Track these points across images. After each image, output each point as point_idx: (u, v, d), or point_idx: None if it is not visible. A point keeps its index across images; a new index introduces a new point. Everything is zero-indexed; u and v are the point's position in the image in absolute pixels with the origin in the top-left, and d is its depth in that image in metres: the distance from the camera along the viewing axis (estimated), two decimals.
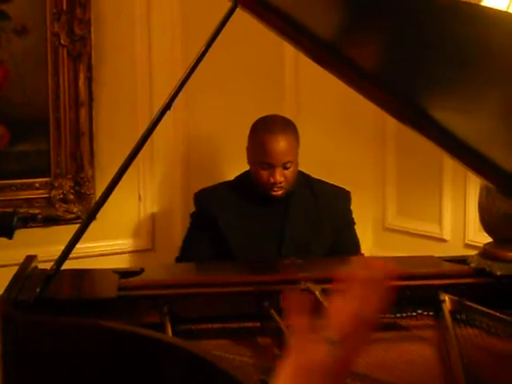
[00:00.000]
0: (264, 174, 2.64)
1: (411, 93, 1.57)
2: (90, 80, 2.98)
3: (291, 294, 0.94)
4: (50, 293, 1.73)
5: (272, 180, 2.63)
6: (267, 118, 2.76)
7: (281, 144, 2.63)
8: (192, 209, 2.88)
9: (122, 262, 3.15)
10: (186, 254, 2.76)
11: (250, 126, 2.75)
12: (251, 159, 2.72)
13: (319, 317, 0.92)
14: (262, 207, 2.74)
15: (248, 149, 2.74)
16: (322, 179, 2.89)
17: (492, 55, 1.30)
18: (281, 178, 2.63)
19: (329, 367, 0.87)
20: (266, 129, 2.67)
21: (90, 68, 2.98)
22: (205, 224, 2.74)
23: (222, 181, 2.92)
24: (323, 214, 2.77)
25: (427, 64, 1.41)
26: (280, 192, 2.66)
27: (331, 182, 2.91)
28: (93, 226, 2.87)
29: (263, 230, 2.72)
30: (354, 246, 2.84)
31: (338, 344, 0.88)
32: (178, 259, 2.76)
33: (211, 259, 2.68)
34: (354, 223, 2.87)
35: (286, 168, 2.64)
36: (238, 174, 2.92)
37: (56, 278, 1.73)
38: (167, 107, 1.70)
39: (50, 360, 1.46)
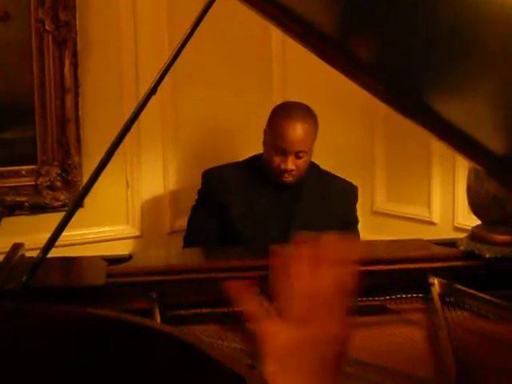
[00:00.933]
0: (276, 159, 2.63)
1: (401, 78, 1.56)
2: (75, 66, 2.96)
3: (233, 283, 0.93)
4: (37, 281, 1.71)
5: (283, 166, 2.62)
6: (290, 103, 2.78)
7: (298, 132, 2.63)
8: (180, 193, 2.87)
9: (111, 249, 3.10)
10: (194, 231, 2.75)
11: (237, 109, 2.75)
12: (267, 141, 2.71)
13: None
14: (271, 193, 2.74)
15: (265, 131, 2.73)
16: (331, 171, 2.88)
17: (482, 37, 1.29)
18: (292, 166, 2.62)
19: (302, 344, 0.86)
20: (286, 114, 2.67)
21: (75, 54, 2.96)
22: (210, 202, 2.73)
23: (210, 163, 2.90)
24: (332, 208, 2.77)
25: (416, 48, 1.40)
26: (289, 179, 2.66)
27: (321, 167, 2.91)
28: (81, 213, 2.86)
29: (269, 216, 2.71)
30: None
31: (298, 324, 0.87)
32: (186, 238, 2.75)
33: (216, 237, 2.67)
34: (358, 221, 2.87)
35: (298, 157, 2.63)
36: (227, 156, 2.92)
37: (43, 266, 1.71)
38: (152, 92, 1.68)
39: (38, 348, 1.45)
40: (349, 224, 2.83)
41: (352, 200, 2.86)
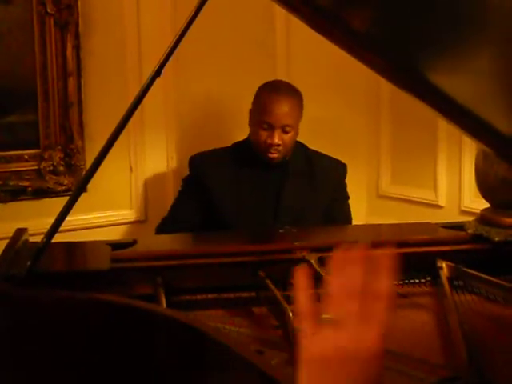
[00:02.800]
0: (263, 134, 2.63)
1: (406, 56, 1.53)
2: (78, 49, 2.93)
3: (299, 269, 0.90)
4: (42, 266, 1.70)
5: (269, 141, 2.62)
6: (275, 81, 2.81)
7: (283, 106, 2.64)
8: (182, 179, 2.86)
9: (115, 234, 3.13)
10: (172, 217, 2.75)
11: (241, 90, 2.73)
12: (252, 119, 2.72)
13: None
14: (258, 175, 2.73)
15: (251, 110, 2.74)
16: (316, 148, 2.88)
17: (488, 11, 1.26)
18: (279, 140, 2.62)
19: (343, 352, 0.83)
20: (271, 90, 2.69)
21: (77, 37, 2.92)
22: (196, 188, 2.73)
23: (214, 147, 2.88)
24: (319, 185, 2.77)
25: (421, 24, 1.37)
26: (276, 155, 2.65)
27: (325, 150, 2.89)
28: (85, 198, 2.84)
29: (258, 197, 2.71)
30: (345, 221, 2.82)
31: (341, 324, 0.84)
32: (162, 223, 2.75)
33: (197, 225, 2.67)
34: (348, 197, 2.86)
35: (285, 132, 2.63)
36: (230, 139, 2.89)
37: (47, 251, 1.69)
38: (157, 74, 1.66)
39: (43, 333, 1.43)
40: (338, 201, 2.82)
41: (340, 176, 2.85)
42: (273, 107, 2.62)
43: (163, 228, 2.74)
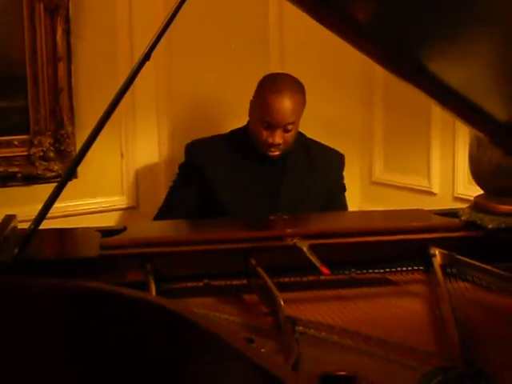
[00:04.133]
0: (263, 132, 2.59)
1: (403, 43, 1.51)
2: (68, 33, 2.90)
3: None
4: (30, 253, 1.67)
5: (270, 140, 2.58)
6: (277, 76, 2.70)
7: (285, 106, 2.57)
8: (176, 163, 2.83)
9: (107, 221, 3.11)
10: (167, 207, 2.72)
11: (233, 78, 2.69)
12: (253, 114, 2.66)
13: None
14: (256, 165, 2.70)
15: (252, 103, 2.68)
16: (310, 135, 2.85)
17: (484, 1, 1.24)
18: (280, 139, 2.58)
19: None
20: (273, 88, 2.59)
21: (67, 21, 2.89)
22: (192, 176, 2.69)
23: (206, 133, 2.86)
24: (317, 177, 2.74)
25: (416, 11, 1.35)
26: (276, 153, 2.62)
27: (319, 138, 2.87)
28: (75, 184, 2.85)
29: (256, 187, 2.68)
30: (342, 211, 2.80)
31: None
32: (159, 212, 2.72)
33: (194, 214, 2.64)
34: (345, 189, 2.84)
35: (286, 130, 2.59)
36: (223, 126, 2.87)
37: (36, 237, 1.67)
38: (146, 57, 1.63)
39: (27, 321, 1.41)
40: (336, 192, 2.80)
41: (339, 169, 2.83)
42: (275, 108, 2.55)
43: (160, 217, 2.70)
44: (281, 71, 2.88)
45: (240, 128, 2.78)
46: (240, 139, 2.73)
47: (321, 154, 2.80)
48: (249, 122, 2.71)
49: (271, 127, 2.57)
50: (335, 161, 2.82)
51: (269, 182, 2.70)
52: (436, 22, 1.36)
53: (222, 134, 2.83)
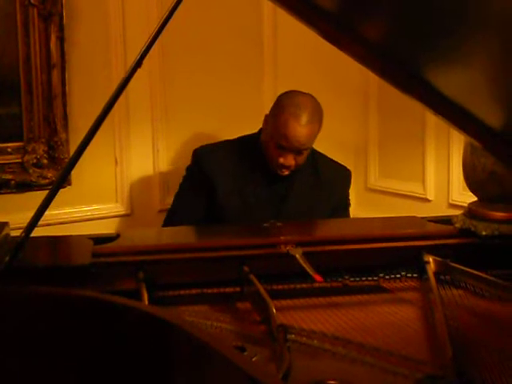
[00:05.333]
0: (276, 152, 2.55)
1: (393, 48, 1.51)
2: (61, 40, 2.89)
3: None
4: (21, 261, 1.66)
5: (281, 161, 2.55)
6: (298, 98, 2.58)
7: (303, 134, 2.51)
8: (170, 170, 2.83)
9: (100, 228, 3.10)
10: (175, 212, 2.69)
11: (228, 83, 2.66)
12: (268, 131, 2.60)
13: None
14: (263, 176, 2.66)
15: (268, 118, 2.61)
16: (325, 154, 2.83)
17: (477, 6, 1.24)
18: (291, 162, 2.56)
19: None
20: (293, 113, 2.51)
21: (61, 28, 2.88)
22: (199, 181, 2.66)
23: (201, 140, 2.84)
24: (323, 192, 2.72)
25: (409, 19, 1.35)
26: (286, 173, 2.59)
27: (316, 145, 2.85)
28: (69, 191, 2.84)
29: (262, 198, 2.65)
30: None
31: None
32: (169, 214, 2.70)
33: (200, 218, 2.62)
34: (350, 205, 2.83)
35: (299, 153, 2.56)
36: (218, 132, 2.85)
37: (28, 245, 1.66)
38: (137, 65, 1.62)
39: (20, 329, 1.40)
40: (340, 208, 2.79)
41: (345, 185, 2.81)
42: (292, 134, 2.49)
43: (168, 222, 2.68)
44: (275, 77, 2.88)
45: (250, 135, 2.73)
46: (249, 148, 2.68)
47: (328, 170, 2.76)
48: (260, 133, 2.67)
49: (285, 150, 2.53)
50: (342, 177, 2.80)
51: (274, 195, 2.67)
52: (428, 29, 1.36)
53: (230, 139, 2.79)
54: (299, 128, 2.49)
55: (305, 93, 2.63)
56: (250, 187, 2.65)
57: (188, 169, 2.74)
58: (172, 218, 2.69)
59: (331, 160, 2.82)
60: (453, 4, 1.24)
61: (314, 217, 2.67)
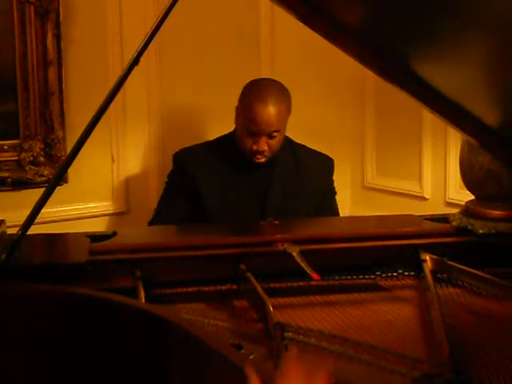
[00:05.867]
0: (248, 140, 2.58)
1: (389, 46, 1.51)
2: (58, 38, 2.89)
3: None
4: (18, 259, 1.66)
5: (255, 148, 2.57)
6: (261, 82, 2.67)
7: (270, 114, 2.55)
8: (167, 168, 2.82)
9: (98, 226, 3.10)
10: (160, 215, 2.71)
11: (225, 82, 2.67)
12: (239, 120, 2.65)
13: None
14: (244, 171, 2.69)
15: (237, 109, 2.66)
16: (301, 140, 2.84)
17: (471, 2, 1.23)
18: (264, 146, 2.58)
19: None
20: (257, 96, 2.57)
21: (58, 25, 2.88)
22: (181, 185, 2.68)
23: (197, 138, 2.85)
24: (305, 181, 2.73)
25: (403, 15, 1.35)
26: (262, 160, 2.61)
27: (310, 142, 2.86)
28: (65, 189, 2.84)
29: (244, 194, 2.67)
30: (333, 216, 2.80)
31: None
32: (151, 222, 2.71)
33: (186, 218, 2.63)
34: (336, 193, 2.84)
35: (271, 137, 2.58)
36: (214, 130, 2.85)
37: (25, 243, 1.66)
38: (135, 63, 1.62)
39: (17, 327, 1.40)
40: (326, 197, 2.80)
41: (327, 173, 2.82)
42: (260, 117, 2.54)
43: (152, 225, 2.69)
44: (272, 76, 2.87)
45: (227, 134, 2.77)
46: (227, 146, 2.72)
47: (309, 159, 2.79)
48: (235, 129, 2.71)
49: (256, 135, 2.56)
50: (324, 165, 2.81)
51: (257, 188, 2.69)
52: (423, 26, 1.35)
53: (209, 140, 2.83)
54: (266, 110, 2.54)
55: (268, 78, 2.72)
56: (232, 183, 2.68)
57: (170, 175, 2.77)
58: (156, 220, 2.70)
59: (311, 150, 2.84)
60: (445, 3, 1.24)
61: (299, 206, 2.70)
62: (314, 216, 2.71)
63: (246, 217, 2.62)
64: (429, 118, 3.16)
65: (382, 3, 1.38)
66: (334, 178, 2.84)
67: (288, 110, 2.64)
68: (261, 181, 2.69)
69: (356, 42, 1.48)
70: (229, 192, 2.66)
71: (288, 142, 2.75)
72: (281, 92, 2.62)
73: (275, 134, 2.58)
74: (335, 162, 2.84)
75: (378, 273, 1.87)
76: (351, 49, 1.50)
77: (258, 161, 2.61)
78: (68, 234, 2.03)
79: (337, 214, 2.84)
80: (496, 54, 1.33)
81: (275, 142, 2.60)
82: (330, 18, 1.45)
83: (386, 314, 1.69)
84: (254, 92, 2.60)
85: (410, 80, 1.52)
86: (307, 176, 2.74)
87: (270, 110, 2.54)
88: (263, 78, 2.74)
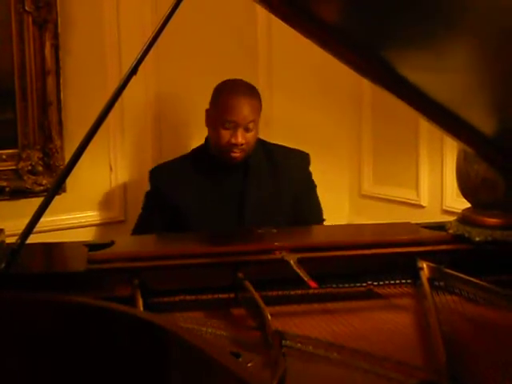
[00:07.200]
0: (226, 134, 2.63)
1: (384, 54, 1.52)
2: (56, 48, 2.90)
3: None
4: (17, 268, 1.67)
5: (233, 141, 2.62)
6: (231, 80, 2.76)
7: (245, 104, 2.64)
8: None
9: (96, 234, 3.11)
10: (141, 228, 2.74)
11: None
12: (212, 121, 2.70)
13: None
14: (220, 178, 2.73)
15: (210, 111, 2.73)
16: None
17: (460, 10, 1.24)
18: (242, 139, 2.62)
19: None
20: (231, 90, 2.68)
21: (56, 35, 2.90)
22: (159, 202, 2.72)
23: (192, 148, 2.87)
24: (281, 180, 2.77)
25: (398, 23, 1.36)
26: (238, 154, 2.65)
27: (306, 150, 2.87)
28: (63, 198, 2.84)
29: (221, 201, 2.72)
30: (315, 210, 2.82)
31: None
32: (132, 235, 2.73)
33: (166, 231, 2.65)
34: (315, 186, 2.85)
35: (247, 130, 2.63)
36: None
37: (23, 252, 1.66)
38: (133, 72, 1.63)
39: (15, 336, 1.41)
40: (304, 191, 2.82)
41: (302, 167, 2.84)
42: (235, 105, 2.62)
43: None
44: (269, 82, 2.89)
45: (200, 145, 2.84)
46: (201, 155, 2.78)
47: (283, 157, 2.83)
48: (207, 137, 2.77)
49: (233, 127, 2.62)
50: (299, 161, 2.84)
51: (234, 191, 2.73)
52: (413, 31, 1.36)
53: (184, 154, 2.88)
54: (240, 99, 2.64)
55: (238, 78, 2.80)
56: (209, 192, 2.71)
57: (147, 193, 2.81)
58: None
59: (286, 147, 2.88)
60: (435, 10, 1.25)
61: (277, 205, 2.73)
62: (294, 212, 2.73)
63: (225, 222, 2.67)
64: (425, 126, 3.18)
65: (369, 9, 1.39)
66: (332, 185, 2.86)
67: (260, 104, 2.72)
68: (236, 185, 2.74)
69: (343, 44, 1.49)
70: (206, 202, 2.70)
71: (261, 144, 2.80)
72: (252, 88, 2.72)
73: (251, 125, 2.64)
74: (332, 170, 2.86)
75: (375, 281, 1.87)
76: (346, 57, 1.51)
77: (234, 154, 2.65)
78: (66, 243, 2.04)
79: (318, 207, 2.85)
80: (489, 62, 1.34)
81: (251, 136, 2.65)
82: (313, 18, 1.46)
83: (384, 322, 1.69)
84: (227, 88, 2.70)
85: (403, 86, 1.53)
86: (283, 174, 2.78)
87: (244, 100, 2.65)
88: (231, 79, 2.80)
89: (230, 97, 2.65)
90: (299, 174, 2.82)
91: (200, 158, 2.77)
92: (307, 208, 2.78)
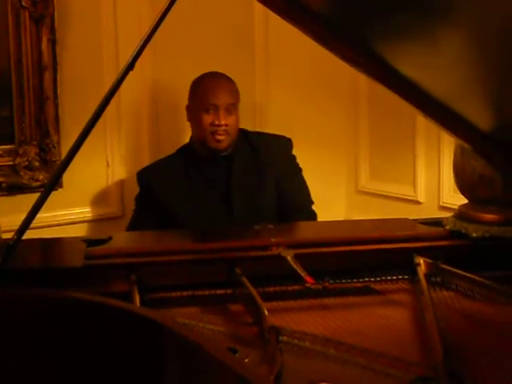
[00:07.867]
0: (208, 118, 2.68)
1: (380, 49, 1.52)
2: (53, 43, 2.90)
3: None
4: (14, 263, 1.66)
5: (216, 122, 2.67)
6: (209, 72, 2.83)
7: (225, 87, 2.72)
8: None
9: (93, 230, 3.11)
10: (133, 228, 2.75)
11: None
12: (194, 111, 2.75)
13: None
14: (206, 174, 2.77)
15: (190, 104, 2.79)
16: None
17: (456, 5, 1.24)
18: (224, 120, 2.67)
19: None
20: (209, 76, 2.77)
21: (53, 31, 2.89)
22: (149, 204, 2.75)
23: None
24: (264, 167, 2.81)
25: (393, 17, 1.35)
26: (223, 137, 2.68)
27: (304, 145, 2.88)
28: (60, 193, 2.84)
29: (209, 196, 2.76)
30: (301, 193, 2.84)
31: None
32: None
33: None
34: (300, 170, 2.86)
35: (229, 112, 2.68)
36: None
37: (21, 247, 1.66)
38: (129, 68, 1.63)
39: (12, 331, 1.41)
40: (288, 175, 2.84)
41: (284, 152, 2.87)
42: (216, 87, 2.70)
43: None
44: (266, 78, 2.90)
45: (185, 144, 2.89)
46: (187, 153, 2.82)
47: (265, 144, 2.86)
48: (191, 136, 2.82)
49: (214, 110, 2.68)
50: (280, 145, 2.87)
51: (220, 184, 2.77)
52: (410, 28, 1.36)
53: (171, 154, 2.91)
54: (219, 82, 2.75)
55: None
56: (196, 190, 2.75)
57: (137, 198, 2.86)
58: None
59: (267, 134, 2.94)
60: (431, 5, 1.25)
61: (263, 192, 2.77)
62: (279, 198, 2.78)
63: (214, 214, 2.71)
64: (422, 122, 3.18)
65: (364, 4, 1.38)
66: (329, 181, 2.87)
67: (238, 94, 2.78)
68: (222, 179, 2.77)
69: (338, 39, 1.48)
70: (194, 199, 2.73)
71: (243, 134, 2.84)
72: (229, 77, 2.79)
73: (232, 107, 2.70)
74: (329, 166, 2.86)
75: (372, 276, 1.87)
76: (341, 51, 1.51)
77: (219, 137, 2.69)
78: (64, 238, 2.04)
79: (303, 191, 2.87)
80: (486, 56, 1.34)
81: (232, 120, 2.70)
82: (308, 11, 1.45)
83: (380, 318, 1.69)
84: (204, 77, 2.79)
85: (399, 81, 1.52)
86: (266, 161, 2.81)
87: (223, 84, 2.75)
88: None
89: (209, 82, 2.73)
90: (281, 159, 2.85)
91: (186, 156, 2.81)
92: (290, 190, 2.81)
